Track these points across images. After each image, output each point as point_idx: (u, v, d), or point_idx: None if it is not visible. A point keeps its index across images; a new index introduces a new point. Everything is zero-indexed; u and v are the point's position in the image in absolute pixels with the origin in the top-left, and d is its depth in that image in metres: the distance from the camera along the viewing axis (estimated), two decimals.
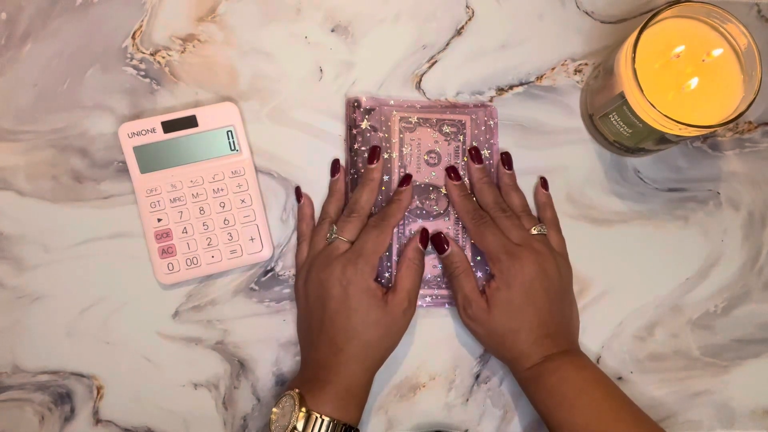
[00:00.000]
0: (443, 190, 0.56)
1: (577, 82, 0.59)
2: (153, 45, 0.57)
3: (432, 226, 0.56)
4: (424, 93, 0.58)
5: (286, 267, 0.56)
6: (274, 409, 0.47)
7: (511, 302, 0.50)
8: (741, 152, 0.60)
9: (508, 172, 0.57)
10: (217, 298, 0.56)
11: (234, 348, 0.55)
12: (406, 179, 0.55)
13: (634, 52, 0.48)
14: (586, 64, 0.59)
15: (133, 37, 0.57)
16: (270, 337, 0.56)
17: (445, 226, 0.56)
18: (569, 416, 0.47)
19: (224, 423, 0.55)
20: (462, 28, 0.59)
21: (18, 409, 0.54)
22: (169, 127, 0.54)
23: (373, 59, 0.58)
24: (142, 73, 0.57)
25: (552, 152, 0.58)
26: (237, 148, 0.55)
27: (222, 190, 0.55)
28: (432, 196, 0.56)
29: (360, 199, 0.54)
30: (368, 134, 0.57)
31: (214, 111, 0.55)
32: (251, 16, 0.58)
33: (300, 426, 0.45)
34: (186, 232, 0.55)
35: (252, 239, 0.55)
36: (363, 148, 0.56)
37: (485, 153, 0.57)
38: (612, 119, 0.53)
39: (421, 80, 0.58)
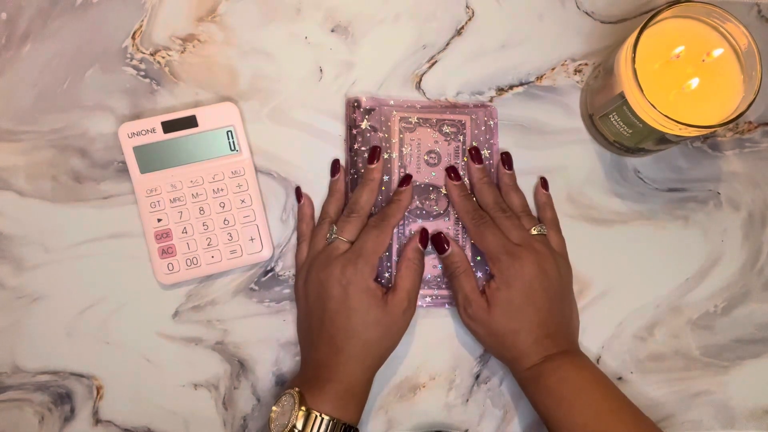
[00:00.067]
0: (443, 190, 0.56)
1: (577, 82, 0.59)
2: (153, 45, 0.57)
3: (432, 226, 0.56)
4: (424, 93, 0.58)
5: (286, 267, 0.56)
6: (274, 408, 0.47)
7: (511, 302, 0.50)
8: (741, 152, 0.60)
9: (508, 172, 0.57)
10: (217, 298, 0.56)
11: (234, 348, 0.55)
12: (406, 179, 0.55)
13: (634, 52, 0.48)
14: (586, 64, 0.59)
15: (133, 37, 0.57)
16: (270, 337, 0.56)
17: (445, 226, 0.56)
18: (568, 416, 0.47)
19: (224, 423, 0.55)
20: (462, 28, 0.59)
21: (18, 409, 0.54)
22: (169, 127, 0.54)
23: (373, 59, 0.58)
24: (142, 73, 0.57)
25: (552, 152, 0.58)
26: (237, 148, 0.55)
27: (222, 190, 0.55)
28: (432, 196, 0.56)
29: (360, 199, 0.54)
30: (368, 134, 0.57)
31: (214, 111, 0.55)
32: (251, 16, 0.58)
33: (300, 425, 0.45)
34: (186, 232, 0.55)
35: (252, 239, 0.55)
36: (363, 148, 0.56)
37: (485, 153, 0.57)
38: (612, 119, 0.53)
39: (421, 80, 0.58)
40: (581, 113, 0.59)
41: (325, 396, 0.47)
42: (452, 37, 0.59)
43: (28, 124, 0.56)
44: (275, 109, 0.57)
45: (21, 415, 0.54)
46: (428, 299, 0.56)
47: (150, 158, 0.54)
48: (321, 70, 0.58)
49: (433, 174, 0.57)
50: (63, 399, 0.54)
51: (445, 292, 0.56)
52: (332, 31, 0.58)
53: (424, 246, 0.54)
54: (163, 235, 0.54)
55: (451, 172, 0.56)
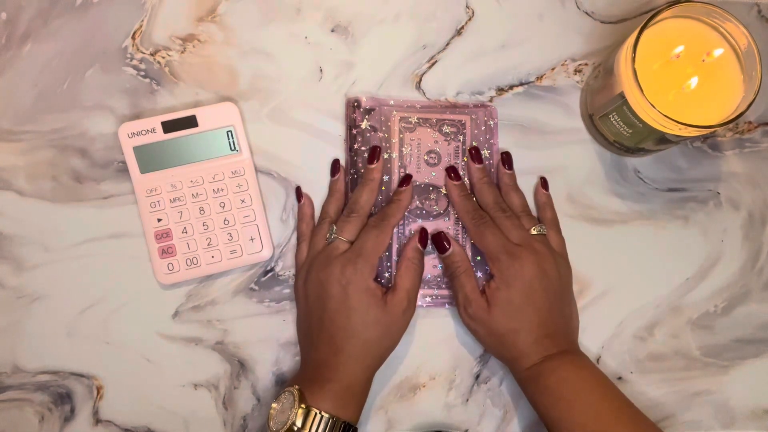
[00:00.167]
0: (443, 190, 0.56)
1: (577, 82, 0.59)
2: (153, 45, 0.57)
3: (432, 226, 0.56)
4: (424, 93, 0.58)
5: (286, 267, 0.56)
6: (274, 405, 0.47)
7: (510, 302, 0.50)
8: (741, 152, 0.60)
9: (508, 172, 0.57)
10: (217, 298, 0.56)
11: (234, 348, 0.55)
12: (406, 179, 0.55)
13: (634, 52, 0.48)
14: (586, 64, 0.59)
15: (133, 37, 0.57)
16: (270, 337, 0.56)
17: (445, 226, 0.56)
18: (567, 416, 0.47)
19: (224, 423, 0.55)
20: (462, 28, 0.59)
21: (18, 409, 0.54)
22: (169, 127, 0.54)
23: (373, 59, 0.58)
24: (142, 73, 0.57)
25: (552, 152, 0.58)
26: (237, 148, 0.55)
27: (222, 190, 0.55)
28: (432, 196, 0.56)
29: (360, 199, 0.54)
30: (368, 134, 0.57)
31: (214, 111, 0.55)
32: (251, 16, 0.58)
33: (299, 422, 0.45)
34: (186, 232, 0.55)
35: (252, 239, 0.55)
36: (363, 148, 0.56)
37: (485, 153, 0.57)
38: (612, 119, 0.53)
39: (421, 80, 0.58)
40: (581, 113, 0.59)
41: (325, 394, 0.47)
42: (452, 37, 0.59)
43: (28, 124, 0.56)
44: (275, 109, 0.57)
45: (21, 415, 0.54)
46: (428, 299, 0.56)
47: (150, 158, 0.54)
48: (321, 70, 0.58)
49: (433, 174, 0.57)
50: (63, 399, 0.54)
51: (445, 292, 0.56)
52: (332, 31, 0.58)
53: (424, 246, 0.54)
54: (163, 235, 0.54)
55: (451, 172, 0.56)
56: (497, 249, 0.51)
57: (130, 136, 0.54)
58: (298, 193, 0.56)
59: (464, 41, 0.59)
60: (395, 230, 0.55)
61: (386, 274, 0.54)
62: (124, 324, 0.55)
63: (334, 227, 0.53)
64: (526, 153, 0.58)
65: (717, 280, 0.58)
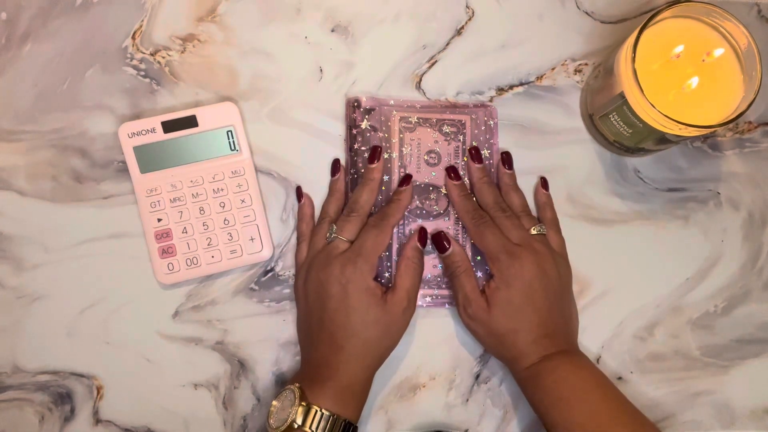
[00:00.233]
0: (443, 190, 0.56)
1: (577, 82, 0.59)
2: (153, 45, 0.57)
3: (432, 226, 0.56)
4: (424, 93, 0.58)
5: (286, 267, 0.56)
6: (274, 402, 0.47)
7: (510, 302, 0.50)
8: (741, 152, 0.60)
9: (508, 171, 0.57)
10: (217, 298, 0.56)
11: (234, 348, 0.55)
12: (406, 179, 0.55)
13: (634, 52, 0.48)
14: (586, 64, 0.59)
15: (133, 37, 0.57)
16: (270, 337, 0.56)
17: (445, 226, 0.56)
18: (566, 416, 0.47)
19: (224, 423, 0.55)
20: (462, 28, 0.59)
21: (18, 409, 0.54)
22: (169, 127, 0.54)
23: (373, 59, 0.58)
24: (142, 73, 0.57)
25: (552, 152, 0.58)
26: (237, 148, 0.55)
27: (222, 190, 0.55)
28: (432, 196, 0.56)
29: (360, 199, 0.54)
30: (368, 134, 0.57)
31: (214, 111, 0.55)
32: (251, 16, 0.58)
33: (299, 420, 0.45)
34: (186, 232, 0.55)
35: (252, 239, 0.55)
36: (363, 148, 0.56)
37: (485, 153, 0.57)
38: (612, 119, 0.53)
39: (421, 80, 0.58)
40: (581, 113, 0.59)
41: (326, 393, 0.47)
42: (452, 37, 0.59)
43: (28, 124, 0.56)
44: (275, 109, 0.57)
45: (21, 415, 0.54)
46: (428, 299, 0.56)
47: (150, 158, 0.54)
48: (321, 70, 0.58)
49: (433, 174, 0.57)
50: (63, 399, 0.54)
51: (445, 292, 0.56)
52: (332, 31, 0.58)
53: (423, 245, 0.54)
54: (163, 235, 0.54)
55: (451, 171, 0.56)
56: (497, 249, 0.51)
57: (130, 136, 0.54)
58: (299, 192, 0.56)
59: (464, 41, 0.59)
60: (395, 230, 0.55)
61: (386, 274, 0.54)
62: (124, 324, 0.55)
63: (334, 227, 0.53)
64: (526, 153, 0.58)
65: (717, 280, 0.58)
